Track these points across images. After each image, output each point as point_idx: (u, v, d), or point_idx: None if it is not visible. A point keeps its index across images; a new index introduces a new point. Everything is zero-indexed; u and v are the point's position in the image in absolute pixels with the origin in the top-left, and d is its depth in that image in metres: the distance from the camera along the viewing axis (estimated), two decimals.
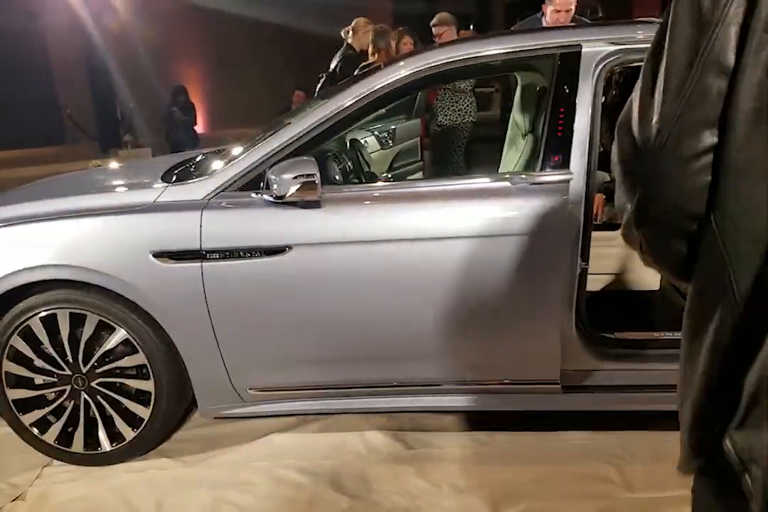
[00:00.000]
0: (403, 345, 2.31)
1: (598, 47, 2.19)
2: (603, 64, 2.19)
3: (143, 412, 2.41)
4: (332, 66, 5.33)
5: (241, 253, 2.23)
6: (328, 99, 2.34)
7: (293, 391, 2.44)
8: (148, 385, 2.38)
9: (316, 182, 2.10)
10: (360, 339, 2.32)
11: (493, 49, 2.26)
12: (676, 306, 2.82)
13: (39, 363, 2.38)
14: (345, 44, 5.40)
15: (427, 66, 2.25)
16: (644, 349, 2.34)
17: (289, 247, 2.21)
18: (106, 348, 2.34)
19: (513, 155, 3.10)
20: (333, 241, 2.20)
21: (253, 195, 2.27)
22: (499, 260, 2.15)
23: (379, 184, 2.46)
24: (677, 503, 2.03)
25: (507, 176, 2.23)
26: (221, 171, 2.34)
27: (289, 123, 2.36)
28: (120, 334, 2.32)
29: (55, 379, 2.39)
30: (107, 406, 2.41)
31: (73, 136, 12.42)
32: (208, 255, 2.23)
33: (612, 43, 2.20)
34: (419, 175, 4.58)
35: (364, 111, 2.29)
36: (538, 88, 2.82)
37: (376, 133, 4.24)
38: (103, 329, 2.33)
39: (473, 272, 2.18)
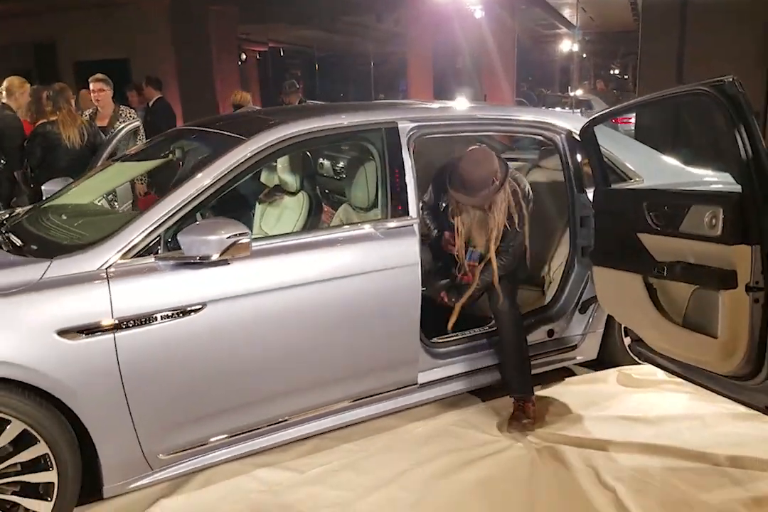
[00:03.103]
0: (307, 376, 2.65)
1: (406, 123, 2.91)
2: (410, 135, 2.90)
3: (45, 508, 2.20)
4: None
5: (156, 318, 2.28)
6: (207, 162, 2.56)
7: (202, 446, 2.51)
8: (49, 476, 2.20)
9: (249, 240, 2.32)
10: (277, 378, 2.57)
11: (348, 122, 2.81)
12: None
13: None
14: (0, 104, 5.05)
15: (289, 136, 2.65)
16: (459, 346, 3.10)
17: (204, 305, 2.35)
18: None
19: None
20: (245, 293, 2.42)
21: (154, 259, 2.34)
22: (378, 292, 2.69)
23: (272, 238, 2.74)
24: None
25: (368, 224, 2.77)
26: (112, 239, 2.33)
27: (175, 188, 2.47)
28: (14, 427, 2.11)
29: None
30: None
31: None
32: (122, 324, 2.23)
33: (413, 120, 2.94)
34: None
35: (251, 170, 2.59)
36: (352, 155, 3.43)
37: None
38: None
39: (359, 305, 2.66)
